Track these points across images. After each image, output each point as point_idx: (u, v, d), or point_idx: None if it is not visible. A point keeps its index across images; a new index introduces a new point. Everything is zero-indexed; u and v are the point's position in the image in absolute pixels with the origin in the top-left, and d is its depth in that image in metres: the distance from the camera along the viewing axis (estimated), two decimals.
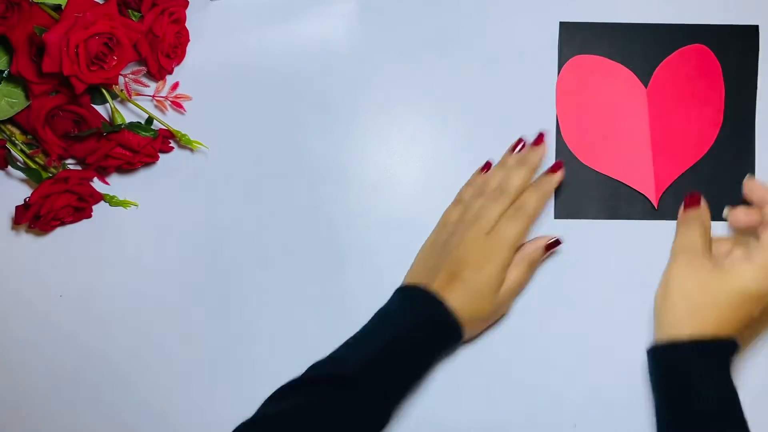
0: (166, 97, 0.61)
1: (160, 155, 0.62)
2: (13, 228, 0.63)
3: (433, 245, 0.60)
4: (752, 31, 0.61)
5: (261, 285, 0.62)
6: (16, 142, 0.59)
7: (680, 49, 0.62)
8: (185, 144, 0.61)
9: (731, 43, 0.61)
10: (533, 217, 0.57)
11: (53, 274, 0.63)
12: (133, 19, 0.57)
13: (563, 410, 0.61)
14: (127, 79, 0.59)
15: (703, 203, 0.56)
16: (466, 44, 0.62)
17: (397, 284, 0.59)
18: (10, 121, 0.58)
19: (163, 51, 0.59)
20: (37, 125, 0.57)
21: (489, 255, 0.55)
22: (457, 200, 0.61)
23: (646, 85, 0.61)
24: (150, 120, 0.59)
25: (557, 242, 0.58)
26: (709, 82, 0.61)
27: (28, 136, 0.60)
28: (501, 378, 0.61)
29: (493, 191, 0.58)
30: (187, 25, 0.61)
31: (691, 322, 0.50)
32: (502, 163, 0.60)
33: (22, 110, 0.57)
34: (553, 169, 0.58)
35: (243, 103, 0.62)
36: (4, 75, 0.57)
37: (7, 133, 0.59)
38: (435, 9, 0.62)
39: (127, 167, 0.60)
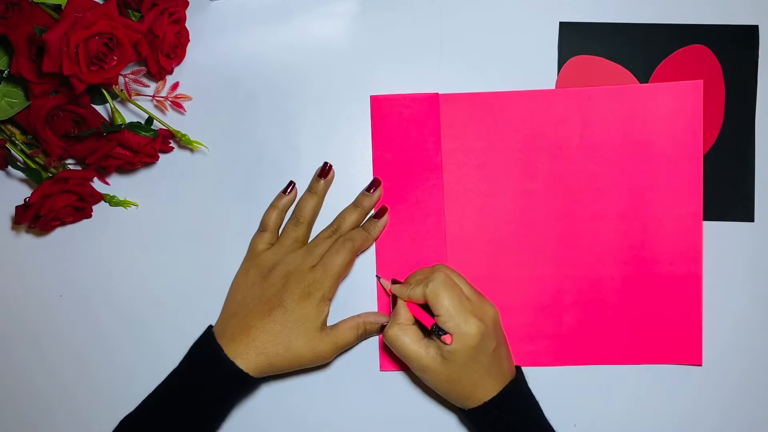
0: (166, 97, 0.61)
1: (160, 155, 0.62)
2: (13, 228, 0.63)
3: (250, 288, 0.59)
4: (752, 31, 0.61)
5: None
6: (16, 142, 0.59)
7: (680, 49, 0.62)
8: (185, 144, 0.61)
9: (731, 43, 0.61)
10: (357, 252, 0.59)
11: (53, 274, 0.63)
12: (133, 19, 0.57)
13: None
14: (127, 79, 0.59)
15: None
16: (466, 44, 0.62)
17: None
18: (10, 121, 0.58)
19: (163, 51, 0.58)
20: (37, 125, 0.56)
21: (310, 286, 0.56)
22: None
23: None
24: (150, 120, 0.58)
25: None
26: (709, 82, 0.61)
27: (28, 136, 0.60)
28: None
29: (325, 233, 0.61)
30: (187, 25, 0.61)
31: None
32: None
33: (22, 110, 0.57)
34: (379, 215, 0.61)
35: (243, 103, 0.62)
36: (4, 75, 0.57)
37: (7, 133, 0.59)
38: (435, 9, 0.62)
39: (127, 167, 0.60)
